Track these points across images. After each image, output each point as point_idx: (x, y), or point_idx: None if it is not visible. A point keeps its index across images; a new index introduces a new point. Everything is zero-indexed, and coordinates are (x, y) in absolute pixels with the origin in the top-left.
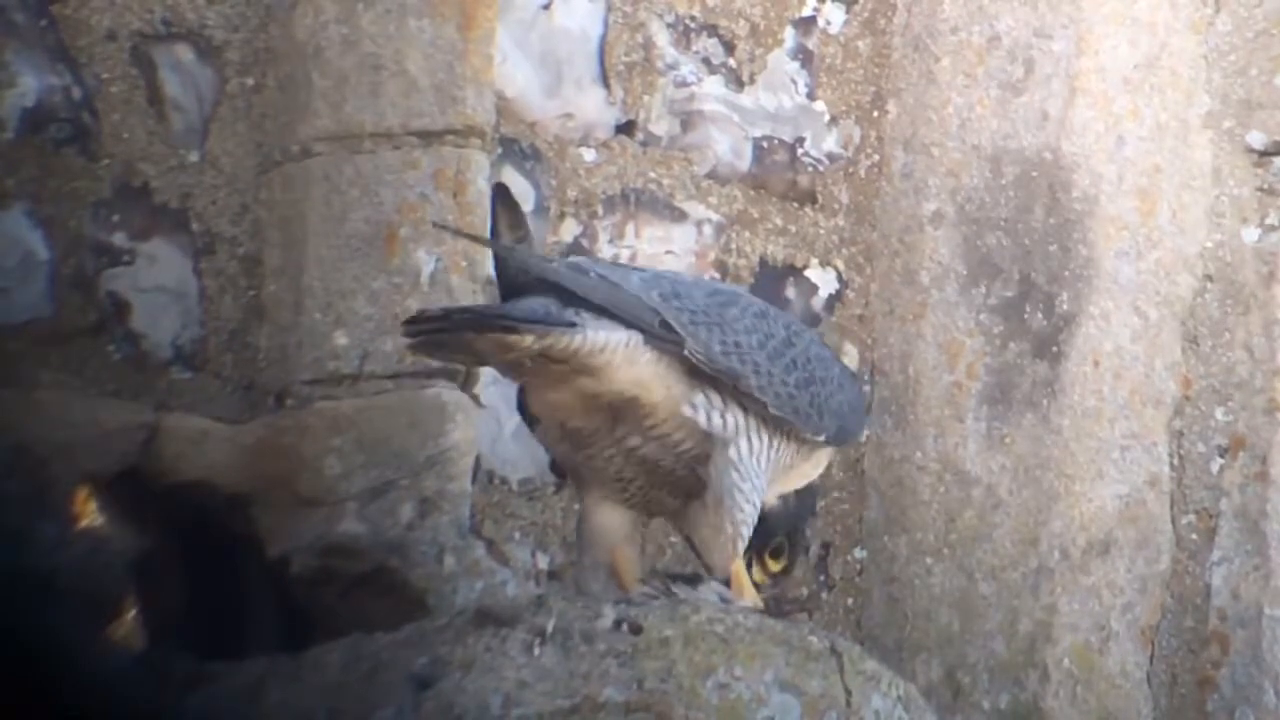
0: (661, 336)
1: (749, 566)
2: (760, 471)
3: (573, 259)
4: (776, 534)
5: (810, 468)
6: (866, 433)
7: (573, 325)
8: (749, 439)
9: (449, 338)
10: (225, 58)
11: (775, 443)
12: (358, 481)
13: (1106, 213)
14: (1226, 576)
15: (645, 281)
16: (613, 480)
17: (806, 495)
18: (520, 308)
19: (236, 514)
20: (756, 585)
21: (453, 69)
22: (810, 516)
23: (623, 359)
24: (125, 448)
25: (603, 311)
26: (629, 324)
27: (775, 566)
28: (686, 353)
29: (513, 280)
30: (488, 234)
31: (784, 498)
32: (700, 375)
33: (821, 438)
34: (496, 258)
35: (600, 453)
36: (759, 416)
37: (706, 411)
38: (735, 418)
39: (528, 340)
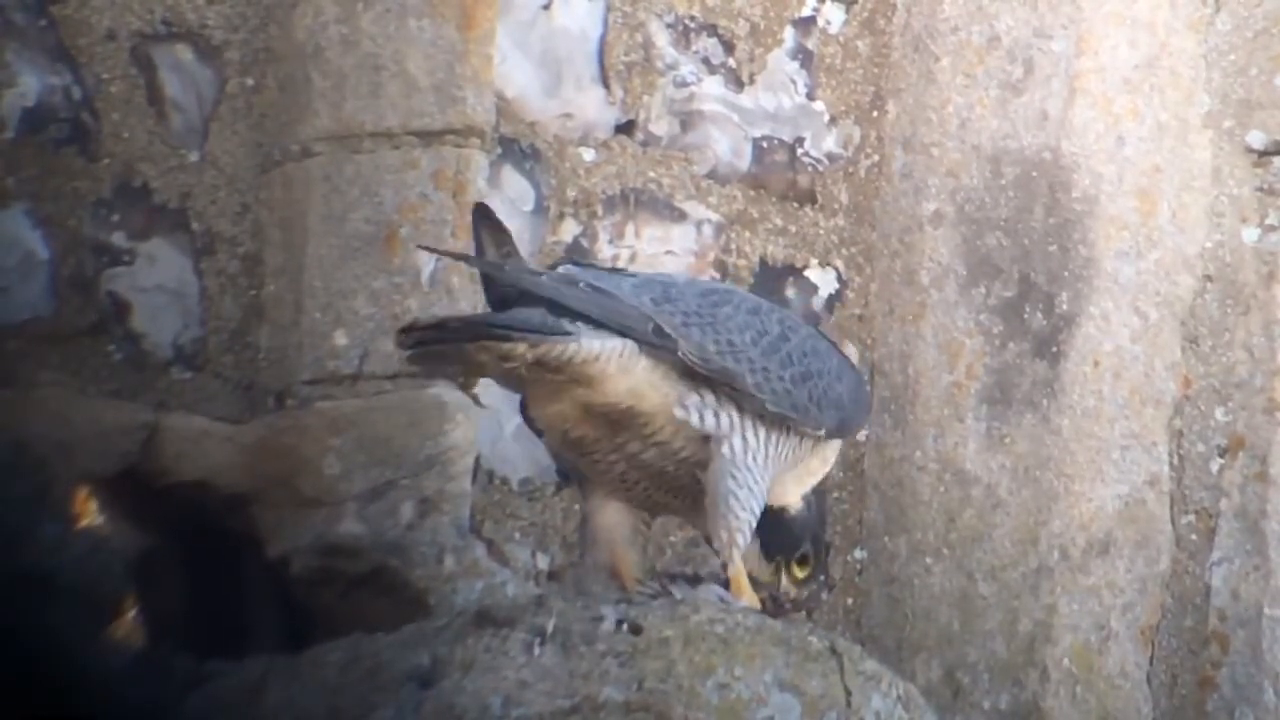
0: (655, 342)
1: (778, 572)
2: (758, 471)
3: (562, 269)
4: (802, 541)
5: (818, 464)
6: (866, 432)
7: (568, 334)
8: (743, 437)
9: (445, 348)
10: (225, 58)
11: (774, 439)
12: (358, 481)
13: (1106, 213)
14: (1226, 576)
15: (637, 287)
16: (618, 481)
17: (820, 497)
18: (515, 317)
19: (236, 514)
20: (785, 596)
21: (452, 69)
22: (825, 518)
23: (617, 368)
24: (125, 447)
25: (597, 322)
26: (623, 332)
27: (801, 574)
28: (680, 355)
29: (502, 296)
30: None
31: (806, 500)
32: (695, 377)
33: (821, 431)
34: (484, 275)
35: (604, 458)
36: (755, 414)
37: (699, 411)
38: (729, 416)
39: (522, 348)
